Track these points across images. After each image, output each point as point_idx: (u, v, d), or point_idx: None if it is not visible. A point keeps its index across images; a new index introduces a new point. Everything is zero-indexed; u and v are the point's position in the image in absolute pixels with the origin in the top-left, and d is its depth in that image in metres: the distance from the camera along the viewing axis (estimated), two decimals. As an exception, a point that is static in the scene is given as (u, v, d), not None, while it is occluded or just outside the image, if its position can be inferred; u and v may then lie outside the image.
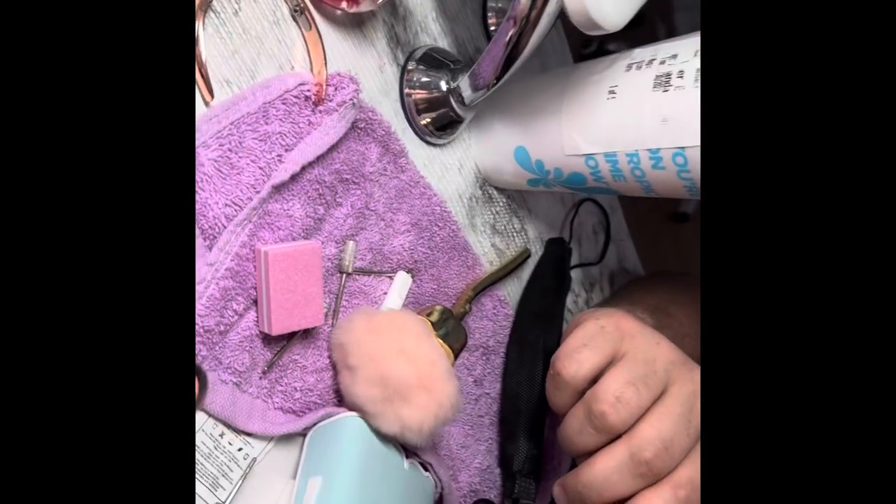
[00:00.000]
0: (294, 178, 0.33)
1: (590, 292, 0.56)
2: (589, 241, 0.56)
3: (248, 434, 0.33)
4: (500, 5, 0.46)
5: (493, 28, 0.46)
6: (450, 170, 0.44)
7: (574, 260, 0.53)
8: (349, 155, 0.36)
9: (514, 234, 0.49)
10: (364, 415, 0.34)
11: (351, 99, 0.34)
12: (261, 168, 0.32)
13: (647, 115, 0.34)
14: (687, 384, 0.35)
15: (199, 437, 0.31)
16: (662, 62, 0.34)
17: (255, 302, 0.33)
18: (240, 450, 0.32)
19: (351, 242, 0.37)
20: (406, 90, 0.40)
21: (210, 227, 0.31)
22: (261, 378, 0.34)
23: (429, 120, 0.41)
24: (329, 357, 0.36)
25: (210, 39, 0.31)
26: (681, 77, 0.33)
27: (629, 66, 0.36)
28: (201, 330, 0.30)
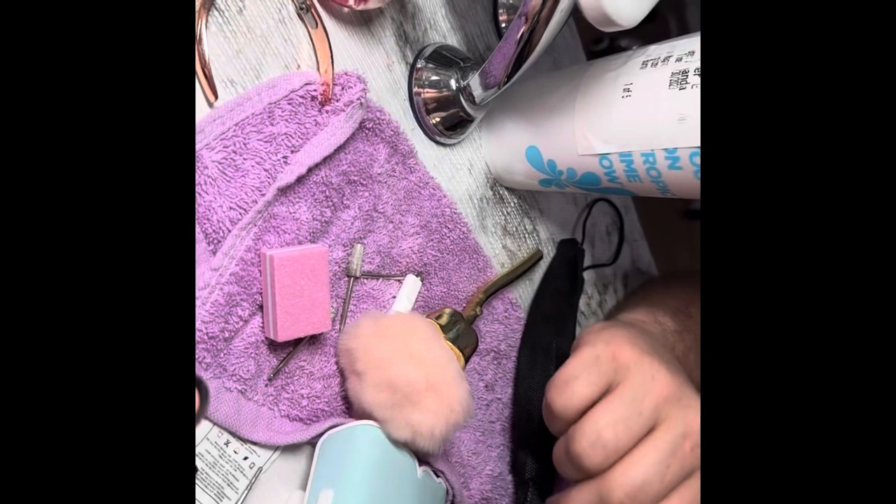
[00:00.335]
0: (300, 180, 0.32)
1: (603, 294, 0.55)
2: (602, 241, 0.55)
3: (254, 442, 0.32)
4: (511, 1, 0.45)
5: (504, 25, 0.45)
6: (460, 170, 0.43)
7: (587, 261, 0.52)
8: (357, 156, 0.35)
9: (526, 236, 0.48)
10: (373, 422, 0.33)
11: (358, 98, 0.33)
12: (266, 170, 0.31)
13: (663, 113, 0.33)
14: (674, 426, 0.35)
15: (204, 446, 0.30)
16: (679, 59, 0.33)
17: (261, 307, 0.32)
18: (245, 458, 0.32)
19: (359, 245, 0.36)
20: (415, 89, 0.39)
21: (214, 230, 0.30)
22: (266, 385, 0.33)
23: (438, 119, 0.40)
24: (336, 363, 0.36)
25: (213, 38, 0.30)
26: (698, 74, 0.32)
27: (644, 64, 0.35)
28: (205, 336, 0.29)
